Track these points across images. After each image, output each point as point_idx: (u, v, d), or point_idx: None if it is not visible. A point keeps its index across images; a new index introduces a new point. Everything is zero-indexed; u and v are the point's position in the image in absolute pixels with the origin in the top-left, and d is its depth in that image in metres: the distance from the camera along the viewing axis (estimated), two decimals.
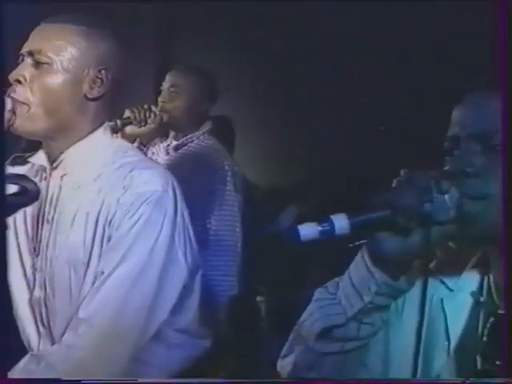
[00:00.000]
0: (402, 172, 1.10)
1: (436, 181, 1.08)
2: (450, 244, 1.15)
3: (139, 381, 1.56)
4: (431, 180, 1.08)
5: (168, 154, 2.90)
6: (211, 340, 1.83)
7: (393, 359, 1.19)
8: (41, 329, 1.71)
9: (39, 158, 1.73)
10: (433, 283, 1.18)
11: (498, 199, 1.09)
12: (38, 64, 1.64)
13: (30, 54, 1.65)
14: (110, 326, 1.59)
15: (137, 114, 2.67)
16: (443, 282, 1.20)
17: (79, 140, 1.69)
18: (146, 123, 2.70)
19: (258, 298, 3.66)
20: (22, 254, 1.72)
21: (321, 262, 2.65)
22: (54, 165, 1.70)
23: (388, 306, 1.15)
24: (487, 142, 1.11)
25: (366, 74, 3.81)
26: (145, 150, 2.84)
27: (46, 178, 1.71)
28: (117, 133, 2.50)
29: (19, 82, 1.64)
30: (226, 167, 2.80)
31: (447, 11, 3.27)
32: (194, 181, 2.43)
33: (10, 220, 1.67)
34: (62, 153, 1.69)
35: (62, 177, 1.70)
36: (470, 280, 1.19)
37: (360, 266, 1.13)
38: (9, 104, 1.62)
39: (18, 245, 1.72)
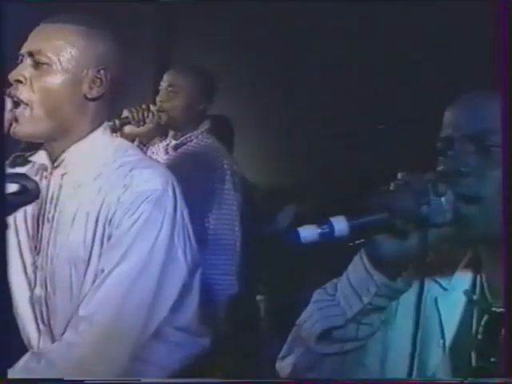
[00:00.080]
0: (399, 175, 1.11)
1: (433, 184, 1.09)
2: (446, 245, 1.16)
3: (142, 381, 1.57)
4: (428, 183, 1.09)
5: (167, 153, 2.91)
6: (210, 338, 1.84)
7: (389, 358, 1.20)
8: (41, 327, 1.72)
9: (40, 157, 1.73)
10: (427, 283, 1.19)
11: (492, 199, 1.10)
12: (37, 64, 1.64)
13: (30, 54, 1.65)
14: (110, 324, 1.60)
15: (135, 114, 2.67)
16: (437, 282, 1.21)
17: (80, 139, 1.70)
18: (145, 123, 2.71)
19: (258, 297, 3.66)
20: (22, 252, 1.73)
21: (320, 261, 2.66)
22: (55, 164, 1.71)
23: (386, 307, 1.17)
24: (481, 143, 1.12)
25: (366, 74, 3.82)
26: (144, 149, 2.84)
27: (46, 177, 1.71)
28: (116, 132, 2.51)
29: (20, 81, 1.64)
30: (225, 166, 2.81)
31: (447, 11, 3.28)
32: (193, 180, 2.43)
33: (10, 219, 1.67)
34: (63, 152, 1.70)
35: (62, 176, 1.70)
36: (463, 279, 1.21)
37: (359, 268, 1.14)
38: (9, 104, 1.63)
39: (19, 243, 1.73)
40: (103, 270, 1.63)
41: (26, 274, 1.72)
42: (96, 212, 1.66)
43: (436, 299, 1.20)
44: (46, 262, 1.69)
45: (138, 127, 2.71)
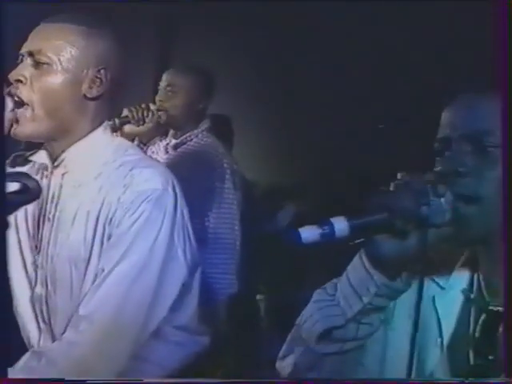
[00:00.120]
0: (399, 175, 1.12)
1: (432, 184, 1.10)
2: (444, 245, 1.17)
3: (144, 380, 1.58)
4: (428, 183, 1.10)
5: (167, 152, 2.91)
6: (210, 337, 1.85)
7: (388, 358, 1.21)
8: (41, 325, 1.72)
9: (40, 157, 1.74)
10: (425, 282, 1.19)
11: (490, 199, 1.11)
12: (37, 64, 1.65)
13: (30, 54, 1.66)
14: (110, 322, 1.61)
15: (135, 113, 2.68)
16: (434, 281, 1.22)
17: (80, 139, 1.70)
18: (144, 122, 2.71)
19: (258, 297, 3.67)
20: (23, 251, 1.73)
21: (320, 261, 2.66)
22: (56, 163, 1.71)
23: (386, 307, 1.18)
24: (478, 143, 1.13)
25: (366, 74, 3.83)
26: (144, 148, 2.85)
27: (47, 177, 1.72)
28: (116, 132, 2.51)
29: (20, 81, 1.64)
30: (225, 165, 2.82)
31: (447, 11, 3.28)
32: (193, 179, 2.43)
33: (11, 218, 1.68)
34: (63, 151, 1.70)
35: (63, 175, 1.71)
36: (460, 278, 1.22)
37: (358, 268, 1.14)
38: (10, 104, 1.63)
39: (19, 242, 1.74)
40: (103, 269, 1.63)
41: (26, 272, 1.73)
42: (96, 211, 1.66)
43: (434, 298, 1.21)
44: (46, 260, 1.69)
45: (138, 126, 2.71)
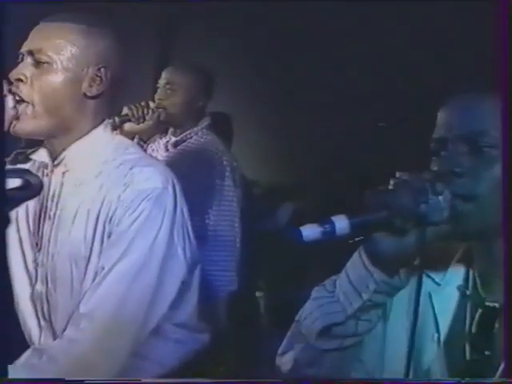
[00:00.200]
0: (397, 174, 1.13)
1: (431, 183, 1.11)
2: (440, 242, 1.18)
3: (143, 380, 1.58)
4: (426, 182, 1.11)
5: (167, 150, 2.92)
6: (210, 334, 1.85)
7: (386, 354, 1.22)
8: (42, 323, 1.73)
9: (41, 155, 1.74)
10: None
11: (485, 198, 1.13)
12: (38, 63, 1.65)
13: (30, 53, 1.66)
14: (110, 320, 1.61)
15: (135, 111, 2.68)
16: (430, 277, 1.23)
17: (80, 137, 1.70)
18: (144, 120, 2.71)
19: (258, 294, 3.67)
20: (23, 248, 1.74)
21: (319, 258, 2.66)
22: (56, 162, 1.72)
23: (384, 304, 1.19)
24: (474, 143, 1.14)
25: (366, 73, 3.83)
26: (145, 146, 2.85)
27: (47, 175, 1.72)
28: (115, 130, 2.51)
29: (21, 80, 1.65)
30: (225, 162, 2.82)
31: (447, 11, 3.29)
32: (193, 176, 2.44)
33: (12, 215, 1.68)
34: (63, 150, 1.71)
35: (63, 173, 1.71)
36: (456, 274, 1.23)
37: (358, 265, 1.15)
38: (11, 102, 1.64)
39: (20, 240, 1.74)
40: (103, 268, 1.64)
41: (27, 270, 1.73)
42: (97, 210, 1.67)
43: (430, 294, 1.22)
44: (47, 258, 1.70)
45: (138, 124, 2.71)
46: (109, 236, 1.65)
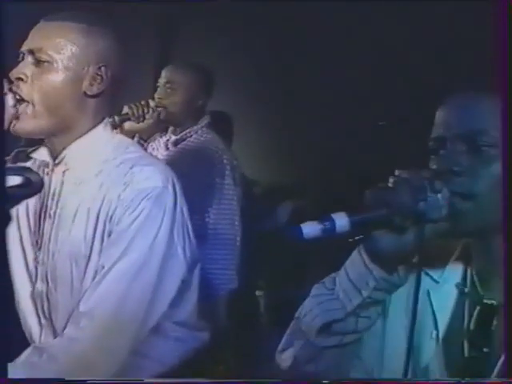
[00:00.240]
0: (396, 172, 1.14)
1: (429, 181, 1.12)
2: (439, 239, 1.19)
3: (145, 380, 1.59)
4: (425, 180, 1.12)
5: (167, 148, 2.92)
6: (210, 333, 1.86)
7: (385, 351, 1.23)
8: (43, 321, 1.73)
9: (41, 154, 1.75)
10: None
11: (484, 196, 1.14)
12: (38, 62, 1.65)
13: (31, 52, 1.66)
14: (110, 319, 1.61)
15: (135, 110, 2.68)
16: (429, 275, 1.24)
17: (80, 136, 1.71)
18: (145, 119, 2.72)
19: (258, 293, 3.68)
20: (24, 247, 1.74)
21: (320, 256, 2.67)
22: (57, 161, 1.72)
23: (384, 300, 1.20)
24: (472, 142, 1.15)
25: (366, 73, 3.84)
26: (145, 145, 2.85)
27: (48, 174, 1.72)
28: (116, 129, 2.52)
29: (21, 79, 1.65)
30: (225, 161, 2.82)
31: (447, 11, 3.29)
32: (193, 175, 2.44)
33: (13, 213, 1.69)
34: (64, 149, 1.71)
35: (64, 172, 1.71)
36: (454, 272, 1.24)
37: (357, 263, 1.16)
38: (11, 100, 1.64)
39: (21, 238, 1.74)
40: (103, 266, 1.64)
41: (27, 268, 1.74)
42: (97, 209, 1.67)
43: (428, 292, 1.23)
44: (47, 257, 1.70)
45: (138, 123, 2.71)
46: (109, 235, 1.65)
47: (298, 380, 1.25)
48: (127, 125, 2.71)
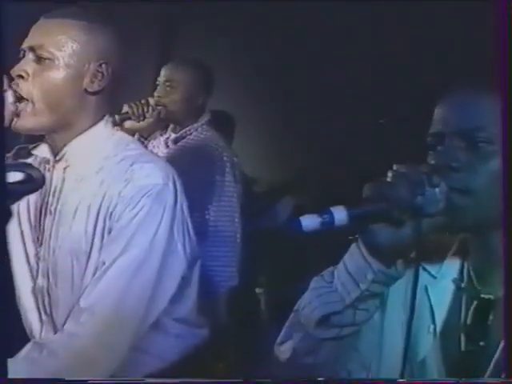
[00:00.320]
0: (394, 167, 1.15)
1: (427, 175, 1.13)
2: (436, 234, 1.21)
3: (146, 380, 1.59)
4: (423, 174, 1.13)
5: (168, 146, 2.92)
6: (210, 330, 1.86)
7: (382, 343, 1.24)
8: (43, 317, 1.74)
9: (42, 151, 1.75)
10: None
11: (481, 192, 1.15)
12: (39, 59, 1.66)
13: (32, 49, 1.67)
14: (111, 314, 1.62)
15: (135, 109, 2.68)
16: (427, 270, 1.25)
17: (81, 133, 1.71)
18: (145, 118, 2.72)
19: (258, 290, 3.68)
20: (25, 243, 1.75)
21: (320, 254, 2.67)
22: (57, 157, 1.73)
23: (382, 293, 1.21)
24: (470, 139, 1.16)
25: (366, 71, 3.84)
26: (145, 143, 2.86)
27: (49, 170, 1.73)
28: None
29: (21, 77, 1.65)
30: (225, 158, 2.82)
31: (447, 11, 3.29)
32: (193, 172, 2.45)
33: (14, 210, 1.69)
34: (65, 145, 1.71)
35: (64, 169, 1.72)
36: (452, 267, 1.25)
37: (356, 256, 1.17)
38: (10, 97, 1.64)
39: (22, 234, 1.75)
40: (104, 263, 1.65)
41: (28, 264, 1.75)
42: (97, 205, 1.68)
43: (426, 287, 1.24)
44: (48, 253, 1.71)
45: (138, 122, 2.72)
46: (109, 231, 1.66)
47: (297, 380, 1.26)
48: (127, 124, 2.71)
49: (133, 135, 2.65)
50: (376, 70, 3.85)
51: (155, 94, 2.90)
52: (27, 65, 1.66)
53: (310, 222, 1.09)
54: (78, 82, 1.68)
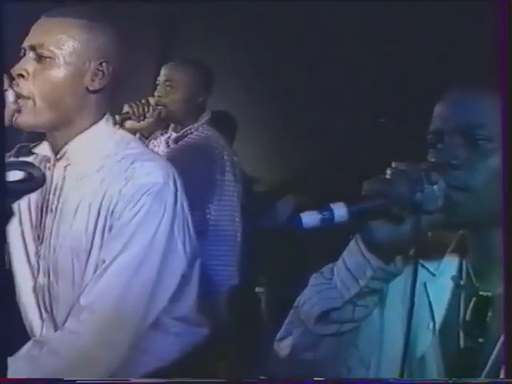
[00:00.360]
0: (393, 164, 1.15)
1: (426, 172, 1.13)
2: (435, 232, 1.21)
3: (145, 380, 1.60)
4: (422, 172, 1.13)
5: (168, 146, 2.93)
6: (210, 329, 1.87)
7: (381, 340, 1.25)
8: (44, 315, 1.74)
9: (43, 149, 1.76)
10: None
11: (480, 189, 1.15)
12: (40, 58, 1.66)
13: (32, 48, 1.67)
14: (111, 312, 1.62)
15: (135, 109, 2.69)
16: (425, 267, 1.25)
17: (82, 131, 1.72)
18: (145, 118, 2.73)
19: (258, 289, 3.68)
20: (26, 241, 1.75)
21: (321, 254, 2.67)
22: (58, 156, 1.73)
23: (381, 290, 1.21)
24: (470, 136, 1.17)
25: (366, 70, 3.85)
26: (146, 142, 2.86)
27: (50, 169, 1.74)
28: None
29: (22, 76, 1.66)
30: (225, 157, 2.83)
31: (447, 11, 3.30)
32: (193, 171, 2.45)
33: (15, 208, 1.70)
34: (65, 144, 1.72)
35: (65, 167, 1.73)
36: (450, 265, 1.25)
37: (355, 253, 1.17)
38: (11, 97, 1.65)
39: (23, 233, 1.76)
40: (104, 261, 1.65)
41: (29, 262, 1.75)
42: (98, 203, 1.68)
43: (425, 284, 1.24)
44: (48, 251, 1.71)
45: (139, 122, 2.72)
46: (110, 229, 1.67)
47: (298, 380, 1.26)
48: (128, 124, 2.72)
49: (134, 135, 2.66)
50: (376, 69, 3.85)
51: (155, 93, 2.90)
52: (28, 63, 1.67)
53: (310, 218, 1.09)
54: (78, 81, 1.68)
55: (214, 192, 2.79)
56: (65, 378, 1.31)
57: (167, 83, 2.91)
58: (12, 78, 1.66)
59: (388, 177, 1.14)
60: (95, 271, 1.65)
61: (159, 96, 2.89)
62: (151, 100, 2.80)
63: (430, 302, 1.24)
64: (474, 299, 1.20)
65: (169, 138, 2.95)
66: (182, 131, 2.92)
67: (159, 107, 2.83)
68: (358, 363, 1.25)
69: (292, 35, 4.05)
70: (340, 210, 1.10)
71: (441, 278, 1.25)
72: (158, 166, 1.73)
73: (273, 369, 1.32)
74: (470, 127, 1.17)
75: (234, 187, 2.83)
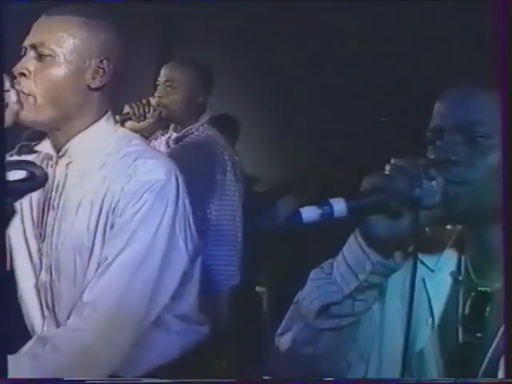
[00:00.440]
0: (392, 160, 1.16)
1: (425, 168, 1.14)
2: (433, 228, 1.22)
3: (143, 380, 1.60)
4: (420, 167, 1.14)
5: (169, 146, 2.93)
6: (211, 327, 1.87)
7: (380, 334, 1.25)
8: (46, 312, 1.74)
9: (45, 147, 1.76)
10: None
11: (478, 185, 1.16)
12: (41, 57, 1.67)
13: (33, 46, 1.67)
14: (113, 309, 1.63)
15: (136, 110, 2.69)
16: (424, 263, 1.26)
17: (84, 129, 1.72)
18: (146, 118, 2.73)
19: (259, 289, 3.69)
20: (28, 239, 1.75)
21: (321, 254, 2.68)
22: (60, 153, 1.73)
23: (380, 284, 1.22)
24: (469, 133, 1.18)
25: (366, 70, 3.85)
26: (147, 142, 2.86)
27: (52, 166, 1.74)
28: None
29: (23, 74, 1.66)
30: (226, 157, 2.83)
31: (447, 11, 3.30)
32: (194, 171, 2.44)
33: (16, 206, 1.70)
34: (67, 141, 1.72)
35: (67, 165, 1.73)
36: (449, 260, 1.26)
37: (354, 247, 1.18)
38: (14, 96, 1.65)
39: (24, 230, 1.76)
40: (106, 258, 1.66)
41: (31, 260, 1.75)
42: (100, 201, 1.68)
43: (424, 280, 1.25)
44: (50, 248, 1.72)
45: (139, 123, 2.73)
46: (112, 227, 1.67)
47: (298, 379, 1.26)
48: (129, 124, 2.72)
49: None
50: (376, 69, 3.85)
51: (156, 94, 2.91)
52: (29, 62, 1.67)
53: (310, 213, 1.10)
54: (79, 79, 1.69)
55: (215, 192, 2.79)
56: (65, 378, 1.32)
57: (167, 83, 2.91)
58: (14, 78, 1.67)
59: (387, 172, 1.15)
60: (97, 268, 1.66)
61: (159, 96, 2.89)
62: (152, 100, 2.80)
63: (428, 298, 1.25)
64: (472, 294, 1.21)
65: (169, 138, 2.96)
66: (183, 131, 2.92)
67: (160, 107, 2.83)
68: (357, 358, 1.26)
69: (292, 35, 4.05)
70: (339, 205, 1.10)
71: (439, 274, 1.26)
72: (160, 163, 1.73)
73: (273, 365, 1.33)
74: (470, 124, 1.18)
75: (235, 187, 2.83)
